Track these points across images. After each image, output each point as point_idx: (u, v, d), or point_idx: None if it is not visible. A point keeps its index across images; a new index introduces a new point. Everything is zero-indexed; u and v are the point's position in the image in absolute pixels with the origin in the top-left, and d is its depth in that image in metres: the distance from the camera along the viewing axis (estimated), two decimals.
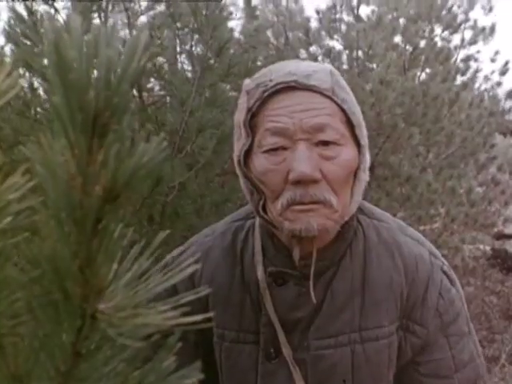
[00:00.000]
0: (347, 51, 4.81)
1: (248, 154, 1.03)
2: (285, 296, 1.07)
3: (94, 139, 0.32)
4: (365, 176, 1.04)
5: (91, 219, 0.35)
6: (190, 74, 3.08)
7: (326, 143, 0.97)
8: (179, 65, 3.22)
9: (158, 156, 0.34)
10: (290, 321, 1.07)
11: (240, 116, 1.03)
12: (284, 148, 0.97)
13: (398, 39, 4.87)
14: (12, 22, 2.87)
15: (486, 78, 5.51)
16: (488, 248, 6.01)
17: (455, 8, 5.10)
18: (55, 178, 0.34)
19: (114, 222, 0.36)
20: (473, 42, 5.33)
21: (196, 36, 2.74)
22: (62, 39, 0.30)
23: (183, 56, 3.14)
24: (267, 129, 0.99)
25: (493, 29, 5.34)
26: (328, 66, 1.06)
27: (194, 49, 2.89)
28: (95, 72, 0.32)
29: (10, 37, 2.88)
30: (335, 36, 4.94)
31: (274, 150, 0.98)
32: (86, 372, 0.39)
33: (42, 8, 2.78)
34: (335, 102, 0.99)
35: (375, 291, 1.07)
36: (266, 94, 0.99)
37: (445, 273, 1.12)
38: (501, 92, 5.41)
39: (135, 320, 0.35)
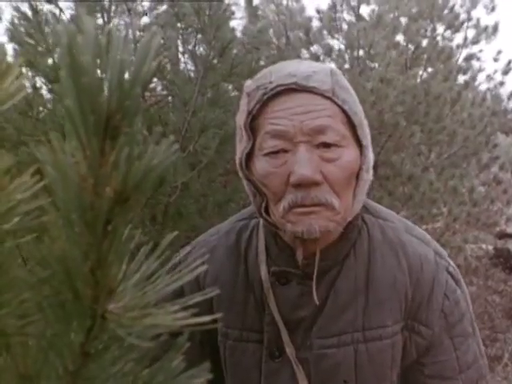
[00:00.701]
0: (348, 50, 4.81)
1: (250, 156, 1.03)
2: (288, 295, 1.07)
3: (106, 141, 0.32)
4: (368, 176, 1.04)
5: (101, 221, 0.35)
6: (192, 74, 3.08)
7: (326, 145, 0.97)
8: (182, 65, 3.23)
9: (167, 159, 0.34)
10: (293, 320, 1.07)
11: (241, 118, 1.03)
12: (285, 151, 0.97)
13: (399, 38, 4.87)
14: (15, 21, 2.88)
15: (489, 78, 5.51)
16: (490, 247, 6.00)
17: (457, 7, 5.09)
18: (66, 179, 0.34)
19: (124, 224, 0.36)
20: (475, 41, 5.32)
21: (199, 36, 2.74)
22: (75, 42, 0.31)
23: (186, 56, 3.15)
24: (267, 132, 0.99)
25: (495, 28, 5.33)
26: (329, 65, 1.06)
27: (196, 49, 2.89)
28: (107, 74, 0.32)
29: (13, 36, 2.89)
30: (336, 35, 4.94)
31: (274, 152, 0.98)
32: (94, 372, 0.39)
33: (46, 7, 2.79)
34: (336, 103, 0.98)
35: (379, 291, 1.07)
36: (266, 96, 0.99)
37: (450, 273, 1.11)
38: (503, 91, 5.41)
39: (145, 320, 0.35)
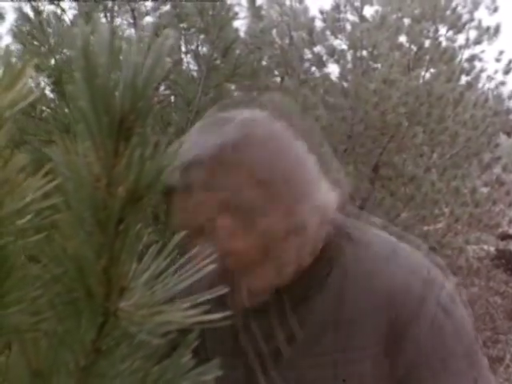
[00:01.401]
0: (351, 51, 4.82)
1: None
2: (259, 325, 1.05)
3: (119, 142, 0.33)
4: (309, 229, 0.97)
5: (114, 220, 0.36)
6: (195, 74, 3.09)
7: (235, 219, 0.95)
8: (185, 65, 3.23)
9: (179, 160, 0.35)
10: (267, 349, 1.05)
11: None
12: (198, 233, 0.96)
13: (402, 39, 4.87)
14: (18, 22, 2.89)
15: (490, 78, 5.51)
16: (492, 248, 6.00)
17: (460, 8, 5.09)
18: (79, 179, 0.35)
19: (135, 223, 0.37)
20: (477, 41, 5.32)
21: (202, 36, 2.75)
22: (89, 45, 0.31)
23: (189, 56, 3.15)
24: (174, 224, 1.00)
25: (497, 29, 5.33)
26: (234, 125, 0.97)
27: (199, 49, 2.90)
28: (121, 76, 0.33)
29: (16, 37, 2.90)
30: (339, 36, 4.94)
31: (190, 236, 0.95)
32: (104, 368, 0.40)
33: (48, 8, 2.80)
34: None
35: (352, 327, 1.00)
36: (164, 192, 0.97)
37: (441, 305, 0.98)
38: (505, 91, 5.41)
39: (156, 318, 0.36)
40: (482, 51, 5.40)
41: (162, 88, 3.40)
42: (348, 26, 4.87)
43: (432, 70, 4.85)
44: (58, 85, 2.35)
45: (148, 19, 3.33)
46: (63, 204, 0.37)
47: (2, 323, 0.39)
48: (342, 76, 4.77)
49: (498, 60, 5.62)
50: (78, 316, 0.38)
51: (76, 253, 0.37)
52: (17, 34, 2.89)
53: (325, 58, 4.80)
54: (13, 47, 2.95)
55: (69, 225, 0.37)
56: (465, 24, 5.19)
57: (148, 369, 0.40)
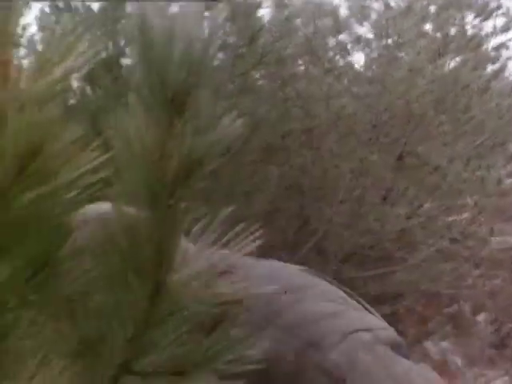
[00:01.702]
0: (377, 39, 4.76)
1: None
2: None
3: (173, 116, 0.34)
4: None
5: (166, 193, 0.36)
6: (221, 63, 3.08)
7: None
8: None
9: (231, 134, 0.35)
10: None
11: None
12: None
13: (428, 27, 4.80)
14: (46, 9, 2.92)
15: None
16: None
17: None
18: (132, 152, 0.36)
19: (187, 196, 0.37)
20: (505, 29, 5.23)
21: (228, 24, 2.74)
22: (146, 22, 0.32)
23: None
24: None
25: None
26: None
27: (225, 37, 2.89)
28: (176, 50, 0.33)
29: (43, 24, 2.93)
30: (365, 23, 4.88)
31: None
32: (155, 338, 0.41)
33: None
34: None
35: None
36: None
37: (324, 370, 0.83)
38: None
39: (208, 290, 0.37)
40: (510, 39, 5.31)
41: None
42: (373, 14, 4.82)
43: (458, 58, 4.78)
44: (87, 73, 2.37)
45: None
46: (116, 177, 0.38)
47: (54, 293, 0.40)
48: (368, 64, 4.72)
49: None
50: (130, 288, 0.39)
51: (129, 226, 0.38)
52: (43, 21, 2.92)
53: (350, 46, 4.76)
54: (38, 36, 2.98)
55: (121, 197, 0.38)
56: (492, 11, 5.10)
57: (197, 341, 0.41)
